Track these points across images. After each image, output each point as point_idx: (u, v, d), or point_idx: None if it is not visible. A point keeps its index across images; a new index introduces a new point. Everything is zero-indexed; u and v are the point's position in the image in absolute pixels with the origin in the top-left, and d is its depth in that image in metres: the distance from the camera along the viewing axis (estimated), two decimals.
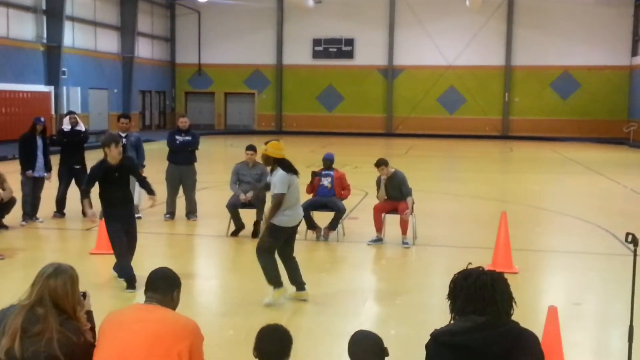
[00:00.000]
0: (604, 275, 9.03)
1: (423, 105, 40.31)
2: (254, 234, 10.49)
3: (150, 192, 8.33)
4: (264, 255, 7.18)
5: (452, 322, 3.27)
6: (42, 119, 11.92)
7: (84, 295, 3.85)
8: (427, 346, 3.24)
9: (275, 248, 7.26)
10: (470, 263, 3.42)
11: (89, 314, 3.87)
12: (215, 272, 9.40)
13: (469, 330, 3.12)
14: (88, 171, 7.93)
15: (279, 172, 7.11)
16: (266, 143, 7.33)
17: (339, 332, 6.51)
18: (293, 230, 7.36)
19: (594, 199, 16.07)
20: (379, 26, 40.23)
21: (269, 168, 7.43)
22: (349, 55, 40.83)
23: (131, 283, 7.65)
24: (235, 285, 8.25)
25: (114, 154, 7.76)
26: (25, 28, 29.06)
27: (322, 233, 10.60)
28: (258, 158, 11.16)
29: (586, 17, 38.22)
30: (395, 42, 40.23)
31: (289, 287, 7.40)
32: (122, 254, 7.82)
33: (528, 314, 5.94)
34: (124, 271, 7.83)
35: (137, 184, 12.10)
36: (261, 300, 7.19)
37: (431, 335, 3.23)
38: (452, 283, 3.32)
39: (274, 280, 7.21)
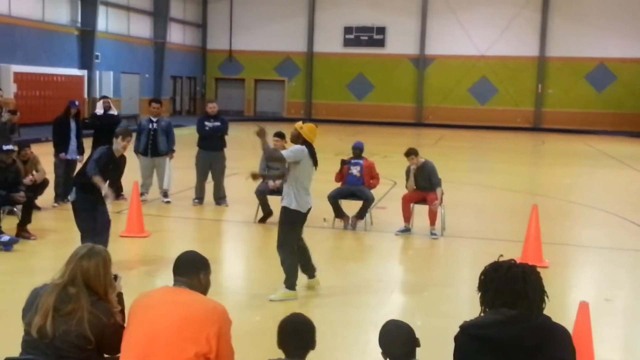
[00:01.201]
0: (635, 271, 8.90)
1: (454, 96, 39.99)
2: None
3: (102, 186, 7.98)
4: (285, 248, 7.09)
5: (482, 314, 3.24)
6: (77, 103, 12.04)
7: (116, 277, 3.89)
8: (456, 338, 3.21)
9: (295, 238, 7.13)
10: (501, 255, 3.39)
11: (120, 296, 3.91)
12: (243, 258, 9.44)
13: (500, 323, 3.09)
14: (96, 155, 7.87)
15: (298, 146, 7.02)
16: (303, 122, 7.23)
17: (366, 321, 6.51)
18: (305, 216, 7.22)
19: (626, 193, 15.83)
20: (411, 15, 39.94)
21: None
22: (380, 43, 40.60)
23: None
24: (262, 271, 8.27)
25: (124, 147, 7.87)
26: (60, 12, 29.34)
27: (350, 222, 10.58)
28: (287, 145, 11.20)
29: (622, 9, 37.53)
30: (427, 31, 39.92)
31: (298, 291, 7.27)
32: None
33: (558, 308, 5.87)
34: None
35: (168, 168, 12.27)
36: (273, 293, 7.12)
37: (460, 327, 3.21)
38: (482, 275, 3.28)
39: (292, 282, 7.11)
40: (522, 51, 38.98)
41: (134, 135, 12.36)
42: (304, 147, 7.00)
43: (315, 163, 7.17)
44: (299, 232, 7.21)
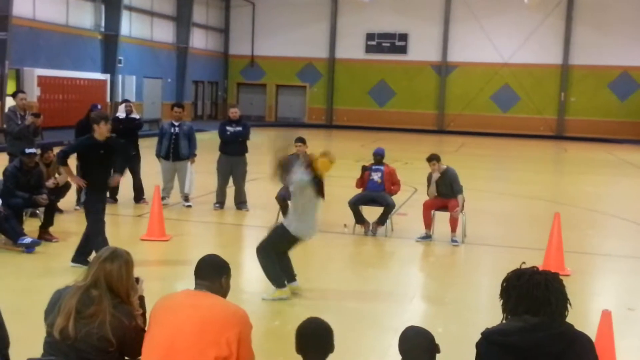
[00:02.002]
0: None
1: (476, 103, 39.81)
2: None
3: (118, 171, 8.33)
4: (261, 253, 7.16)
5: (504, 321, 3.22)
6: (99, 106, 12.14)
7: (137, 280, 3.90)
8: (477, 345, 3.19)
9: (275, 250, 7.17)
10: (523, 262, 3.36)
11: (142, 299, 3.92)
12: None
13: (522, 330, 3.06)
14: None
15: (307, 179, 6.97)
16: (326, 154, 7.17)
17: (386, 327, 6.48)
18: (297, 241, 7.23)
19: None
20: (434, 21, 39.84)
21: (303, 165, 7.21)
22: (402, 50, 40.54)
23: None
24: None
25: (103, 131, 7.77)
26: (84, 16, 29.64)
27: (371, 228, 10.56)
28: (309, 151, 11.20)
29: None
30: (450, 38, 39.80)
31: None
32: (100, 233, 7.98)
33: (579, 317, 5.81)
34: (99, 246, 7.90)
35: (189, 172, 12.32)
36: (291, 292, 7.18)
37: (482, 334, 3.18)
38: (504, 282, 3.26)
39: (278, 281, 7.17)
40: (546, 59, 38.73)
41: (157, 139, 12.54)
42: (308, 180, 6.95)
43: (318, 192, 7.11)
44: (283, 248, 7.21)
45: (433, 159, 10.14)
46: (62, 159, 8.05)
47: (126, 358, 3.75)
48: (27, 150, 9.43)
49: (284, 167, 7.24)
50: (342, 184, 11.96)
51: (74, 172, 8.60)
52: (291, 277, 7.33)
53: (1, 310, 4.02)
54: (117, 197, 12.36)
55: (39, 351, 3.75)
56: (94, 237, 7.96)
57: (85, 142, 7.97)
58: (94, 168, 7.92)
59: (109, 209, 11.89)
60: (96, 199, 8.04)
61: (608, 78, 38.28)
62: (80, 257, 8.02)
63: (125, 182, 12.38)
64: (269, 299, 7.11)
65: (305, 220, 7.06)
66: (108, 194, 12.19)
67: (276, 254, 7.20)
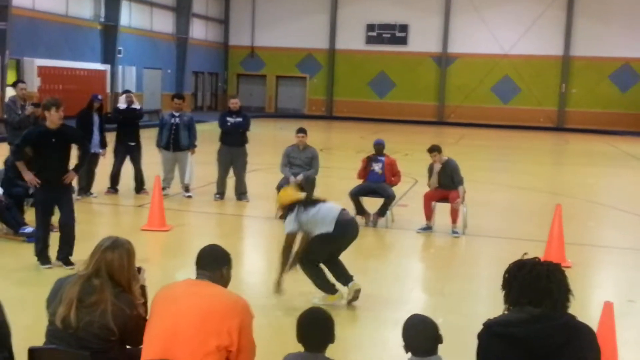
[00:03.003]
0: None
1: (476, 94, 39.77)
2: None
3: (75, 168, 7.82)
4: (305, 264, 6.85)
5: (505, 312, 3.22)
6: (100, 97, 12.13)
7: (139, 269, 3.91)
8: (479, 336, 3.19)
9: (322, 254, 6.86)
10: (526, 253, 3.36)
11: (143, 288, 3.93)
12: (263, 254, 9.45)
13: (524, 321, 3.06)
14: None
15: (291, 215, 6.70)
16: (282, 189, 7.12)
17: (386, 318, 6.49)
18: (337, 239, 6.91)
19: None
20: (434, 12, 39.75)
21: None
22: (403, 41, 40.47)
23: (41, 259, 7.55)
24: None
25: (54, 118, 7.35)
26: (83, 7, 29.55)
27: (371, 219, 10.56)
28: (308, 141, 11.21)
29: None
30: (450, 29, 39.72)
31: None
32: (40, 229, 7.57)
33: (580, 308, 5.81)
34: (37, 245, 7.58)
35: (189, 163, 12.32)
36: (309, 291, 6.96)
37: (484, 325, 3.18)
38: (506, 273, 3.26)
39: (327, 289, 6.87)
40: (546, 50, 38.66)
41: (157, 129, 12.52)
42: (293, 215, 6.66)
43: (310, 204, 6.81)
44: (325, 254, 6.87)
45: (434, 150, 10.13)
46: (17, 153, 7.67)
47: (127, 347, 3.75)
48: None
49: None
50: (342, 175, 11.97)
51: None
52: (349, 278, 6.92)
53: (2, 300, 4.02)
54: (118, 187, 12.37)
55: (40, 340, 3.75)
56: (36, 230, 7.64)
57: (35, 130, 7.57)
58: (46, 158, 7.42)
59: (109, 199, 12.00)
60: (44, 196, 7.55)
61: (609, 69, 38.22)
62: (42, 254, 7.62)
63: (126, 173, 12.41)
64: (319, 303, 6.57)
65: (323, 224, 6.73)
66: (110, 184, 12.29)
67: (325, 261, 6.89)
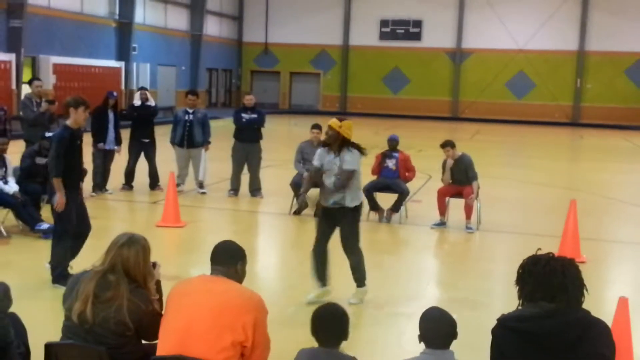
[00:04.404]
0: None
1: (491, 90, 39.58)
2: (317, 214, 10.45)
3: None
4: (359, 253, 6.75)
5: (519, 307, 3.21)
6: (115, 94, 12.20)
7: (154, 265, 3.93)
8: (493, 331, 3.19)
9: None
10: (539, 249, 3.35)
11: (158, 284, 3.96)
12: (277, 250, 9.48)
13: (538, 316, 3.06)
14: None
15: (356, 153, 6.61)
16: (341, 120, 6.73)
17: (400, 314, 6.50)
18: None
19: None
20: (448, 8, 39.58)
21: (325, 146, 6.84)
22: (417, 37, 40.34)
23: (60, 279, 6.66)
24: (297, 263, 8.29)
25: (81, 119, 6.79)
26: (98, 4, 29.69)
27: (385, 215, 10.55)
28: (323, 137, 11.20)
29: None
30: (465, 25, 39.55)
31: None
32: (65, 246, 6.83)
33: (595, 304, 5.79)
34: (61, 265, 6.83)
35: (203, 160, 12.36)
36: (347, 299, 6.68)
37: (498, 320, 3.18)
38: (520, 268, 3.25)
39: (363, 277, 6.79)
40: (561, 45, 38.41)
41: (171, 126, 12.57)
42: (356, 153, 6.60)
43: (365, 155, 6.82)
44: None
45: (447, 145, 10.11)
46: (59, 167, 6.69)
47: (143, 342, 3.78)
48: (47, 134, 9.46)
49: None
50: None
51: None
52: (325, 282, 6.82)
53: (18, 297, 4.06)
54: (133, 184, 12.43)
55: (57, 335, 3.79)
56: (57, 250, 6.85)
57: (64, 133, 6.76)
58: (73, 161, 6.85)
59: (124, 195, 12.07)
60: (70, 198, 6.78)
61: (625, 64, 37.92)
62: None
63: (141, 169, 12.47)
64: (356, 302, 6.61)
65: (359, 189, 6.78)
66: (125, 181, 12.36)
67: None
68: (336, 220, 6.70)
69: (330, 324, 3.59)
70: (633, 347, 5.10)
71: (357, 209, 6.70)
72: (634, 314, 5.19)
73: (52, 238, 7.05)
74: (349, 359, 3.60)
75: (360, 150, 6.66)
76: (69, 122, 6.78)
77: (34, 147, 9.73)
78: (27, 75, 24.05)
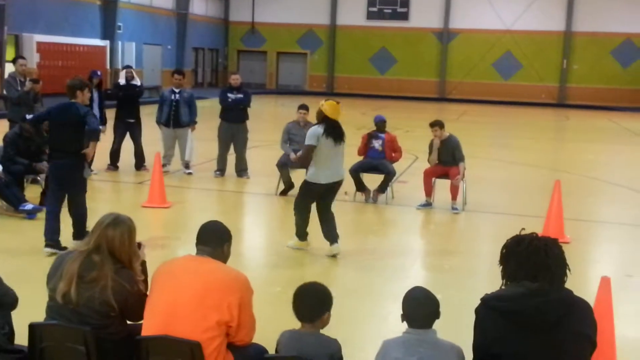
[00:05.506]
0: None
1: (477, 70, 39.60)
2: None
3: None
4: (296, 210, 7.63)
5: (503, 287, 3.24)
6: (99, 73, 12.08)
7: (139, 245, 3.92)
8: (477, 310, 3.21)
9: (306, 204, 7.59)
10: (523, 228, 3.37)
11: (143, 264, 3.95)
12: (263, 230, 9.49)
13: (521, 296, 3.08)
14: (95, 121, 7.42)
15: (313, 127, 7.35)
16: (326, 100, 7.48)
17: (385, 293, 6.53)
18: (326, 188, 7.43)
19: None
20: None
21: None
22: (404, 16, 40.22)
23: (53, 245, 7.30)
24: (283, 243, 8.29)
25: (87, 98, 7.49)
26: None
27: (371, 195, 10.57)
28: (310, 117, 11.18)
29: None
30: (452, 5, 39.45)
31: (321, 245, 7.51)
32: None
33: (578, 284, 5.84)
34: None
35: (190, 140, 12.32)
36: (300, 252, 7.46)
37: (481, 299, 3.21)
38: (503, 248, 3.28)
39: (299, 234, 7.71)
40: (548, 26, 38.44)
41: (157, 106, 12.49)
42: (315, 128, 7.28)
43: (336, 138, 7.30)
44: (311, 201, 7.59)
45: (436, 124, 10.10)
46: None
47: (128, 322, 3.78)
48: (28, 117, 9.42)
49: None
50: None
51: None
52: (332, 241, 7.54)
53: (2, 275, 4.05)
54: (118, 164, 12.37)
55: (41, 315, 3.78)
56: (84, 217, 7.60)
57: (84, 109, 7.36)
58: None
59: (109, 175, 12.02)
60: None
61: (611, 45, 38.03)
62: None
63: (126, 149, 12.41)
64: (291, 246, 7.74)
65: (321, 167, 7.32)
66: (110, 161, 12.30)
67: (318, 213, 7.57)
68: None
69: (310, 300, 3.64)
70: (615, 327, 5.16)
71: (307, 183, 7.46)
72: (615, 293, 5.24)
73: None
74: (331, 341, 3.63)
75: (328, 129, 7.23)
76: (79, 101, 7.38)
77: (15, 129, 9.65)
78: (10, 54, 23.78)
